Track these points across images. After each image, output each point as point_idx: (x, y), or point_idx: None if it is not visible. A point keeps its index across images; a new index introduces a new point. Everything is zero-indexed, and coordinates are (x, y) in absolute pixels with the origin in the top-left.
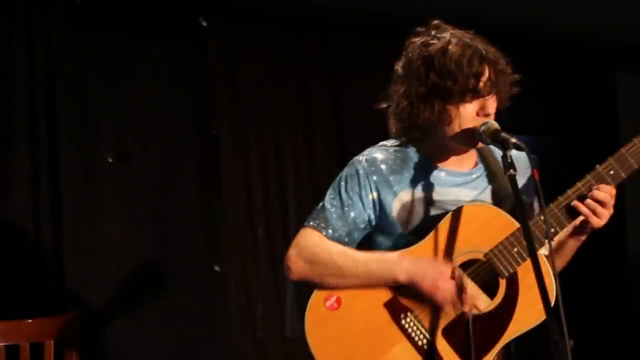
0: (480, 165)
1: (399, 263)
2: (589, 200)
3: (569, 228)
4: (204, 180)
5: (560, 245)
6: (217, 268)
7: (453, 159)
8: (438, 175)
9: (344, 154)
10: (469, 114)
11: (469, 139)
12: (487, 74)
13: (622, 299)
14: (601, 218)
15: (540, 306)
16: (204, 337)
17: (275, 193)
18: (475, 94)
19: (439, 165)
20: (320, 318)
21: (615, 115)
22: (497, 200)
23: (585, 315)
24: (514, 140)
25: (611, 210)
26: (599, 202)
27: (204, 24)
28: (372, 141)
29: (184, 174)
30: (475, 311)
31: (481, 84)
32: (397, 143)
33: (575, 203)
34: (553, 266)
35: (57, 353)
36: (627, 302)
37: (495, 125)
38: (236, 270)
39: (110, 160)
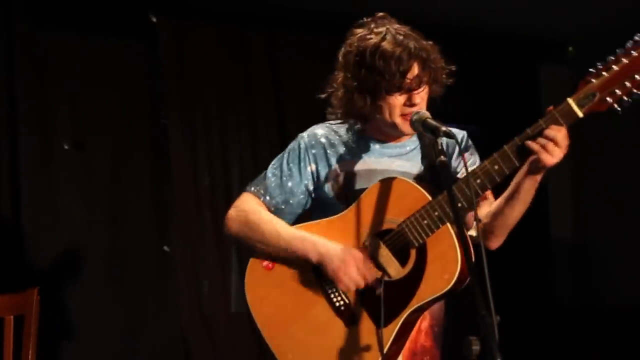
0: (415, 138)
1: (313, 245)
2: (541, 139)
3: (523, 170)
4: (154, 167)
5: (516, 189)
6: (166, 248)
7: (386, 136)
8: (373, 148)
9: (286, 142)
10: (397, 105)
11: (398, 130)
12: (415, 71)
13: (544, 279)
14: (553, 155)
15: (446, 276)
16: (154, 313)
17: (220, 179)
18: (401, 90)
19: (375, 137)
20: (256, 277)
21: (539, 106)
22: (429, 174)
23: (509, 294)
24: (444, 128)
25: (563, 149)
26: (551, 140)
27: (154, 20)
28: None
29: (136, 160)
30: (386, 278)
31: (407, 81)
32: (338, 122)
33: (528, 142)
34: (466, 244)
35: (17, 328)
36: (549, 282)
37: (427, 114)
38: (184, 250)
39: (66, 147)
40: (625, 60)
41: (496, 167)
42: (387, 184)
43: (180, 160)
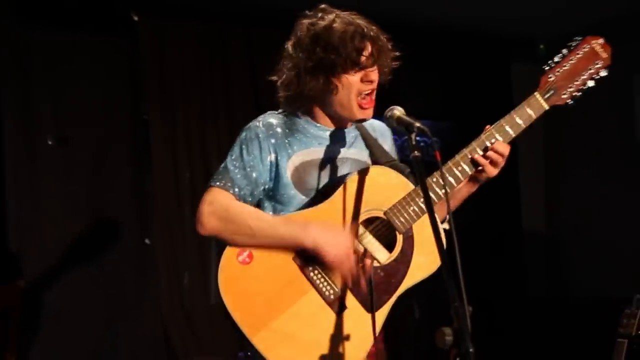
0: (354, 127)
1: (305, 229)
2: (489, 152)
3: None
4: (135, 161)
5: (454, 195)
6: (147, 241)
7: (335, 124)
8: (324, 136)
9: None
10: (353, 83)
11: (350, 112)
12: (368, 49)
13: (517, 272)
14: (496, 167)
15: (432, 258)
16: (135, 304)
17: (200, 172)
18: (357, 66)
19: (323, 126)
20: (232, 273)
21: (510, 102)
22: (376, 158)
23: (482, 286)
24: (417, 124)
25: (503, 163)
26: (499, 153)
27: (136, 18)
28: None
29: (118, 155)
30: (375, 263)
31: (363, 58)
32: (284, 112)
33: (475, 156)
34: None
35: (2, 318)
36: (521, 274)
37: (401, 110)
38: (165, 243)
39: (50, 142)
40: (573, 60)
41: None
42: (368, 172)
43: (160, 154)
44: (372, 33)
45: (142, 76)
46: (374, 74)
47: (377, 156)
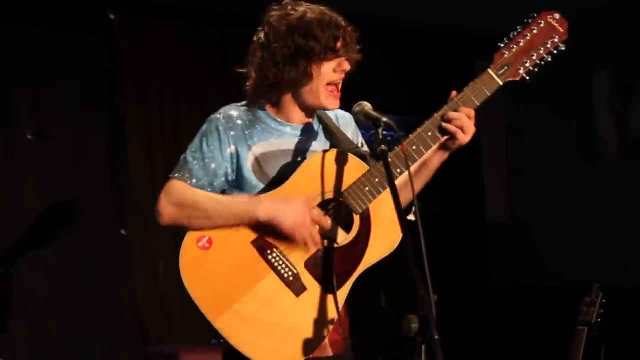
0: (317, 120)
1: (259, 203)
2: (457, 120)
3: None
4: (112, 155)
5: (424, 162)
6: (123, 232)
7: (297, 116)
8: (285, 129)
9: None
10: (328, 71)
11: (320, 100)
12: (343, 38)
13: (480, 261)
14: (467, 134)
15: (391, 237)
16: (112, 293)
17: (174, 166)
18: (335, 52)
19: (285, 121)
20: (193, 258)
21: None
22: (337, 146)
23: (446, 276)
24: (384, 119)
25: (474, 128)
26: (470, 118)
27: (112, 17)
28: None
29: (95, 149)
30: (334, 245)
31: (339, 45)
32: (246, 104)
33: (444, 125)
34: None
35: None
36: (485, 263)
37: (369, 106)
38: (140, 234)
39: (29, 136)
40: (528, 36)
41: (430, 134)
42: (322, 156)
43: (136, 148)
44: (344, 23)
45: (119, 73)
46: (346, 64)
47: (339, 144)
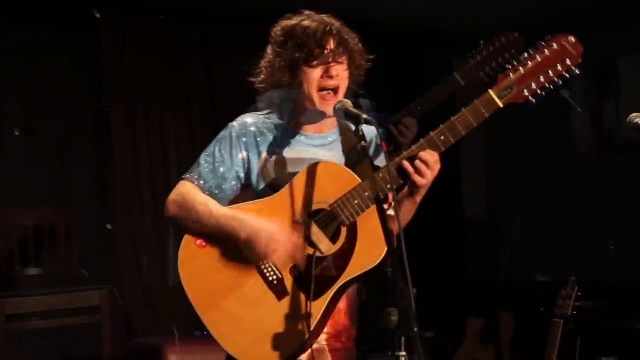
0: (337, 130)
1: (242, 223)
2: (416, 161)
3: (404, 192)
4: (97, 151)
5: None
6: (109, 226)
7: (313, 126)
8: (299, 139)
9: (218, 127)
10: (315, 78)
11: (316, 107)
12: (331, 45)
13: (458, 257)
14: (424, 177)
15: (374, 252)
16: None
17: (159, 161)
18: (317, 60)
19: (300, 130)
20: (190, 254)
21: (452, 96)
22: (350, 162)
23: (424, 272)
24: (365, 116)
25: (435, 172)
26: (424, 162)
27: (98, 15)
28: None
29: (81, 145)
30: (318, 254)
31: (326, 52)
32: (266, 112)
33: (404, 163)
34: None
35: None
36: (462, 259)
37: (349, 103)
38: (125, 228)
39: (17, 133)
40: (538, 58)
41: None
42: (317, 167)
43: (121, 144)
44: (338, 31)
45: (104, 71)
46: (334, 70)
47: (348, 160)
